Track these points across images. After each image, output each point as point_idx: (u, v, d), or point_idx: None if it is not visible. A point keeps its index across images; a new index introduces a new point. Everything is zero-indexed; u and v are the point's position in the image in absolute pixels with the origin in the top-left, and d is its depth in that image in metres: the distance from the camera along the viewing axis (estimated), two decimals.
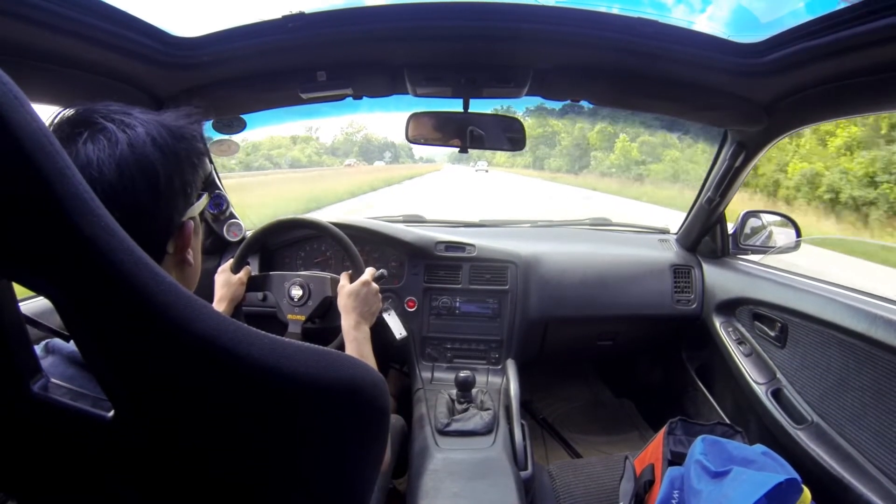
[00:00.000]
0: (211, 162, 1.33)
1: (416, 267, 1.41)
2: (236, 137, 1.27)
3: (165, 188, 0.45)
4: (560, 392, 1.92)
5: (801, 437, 1.03)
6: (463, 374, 1.15)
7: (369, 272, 1.07)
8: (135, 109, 0.46)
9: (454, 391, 1.19)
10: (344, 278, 1.08)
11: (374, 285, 1.06)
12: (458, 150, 1.09)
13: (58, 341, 0.44)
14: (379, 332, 1.31)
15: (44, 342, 0.45)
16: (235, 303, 1.12)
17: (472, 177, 25.67)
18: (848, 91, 0.84)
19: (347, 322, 1.00)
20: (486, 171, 29.87)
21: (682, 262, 1.50)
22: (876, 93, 0.81)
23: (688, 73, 0.93)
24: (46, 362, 0.42)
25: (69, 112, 0.45)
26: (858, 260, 5.82)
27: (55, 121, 0.45)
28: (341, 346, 1.11)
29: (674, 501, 0.86)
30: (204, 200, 0.56)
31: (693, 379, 1.55)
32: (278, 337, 0.34)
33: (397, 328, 1.26)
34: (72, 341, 0.43)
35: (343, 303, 1.03)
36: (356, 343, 0.96)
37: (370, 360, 0.95)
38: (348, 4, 0.85)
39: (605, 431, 1.74)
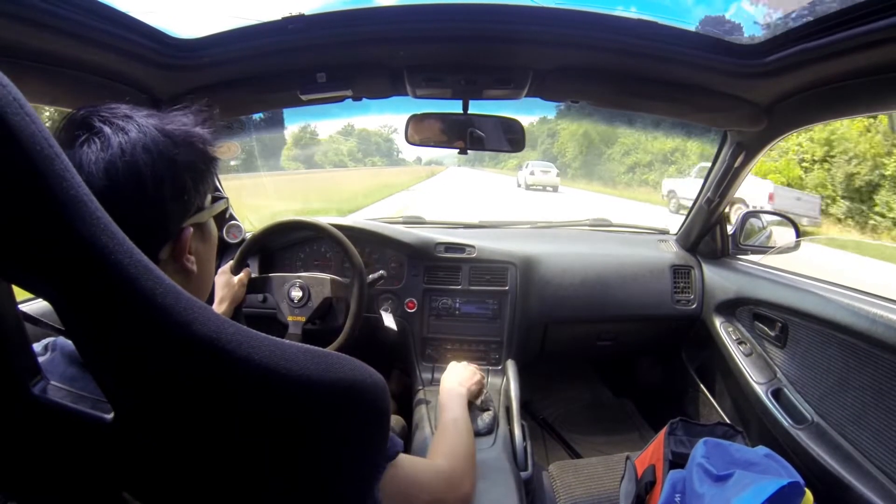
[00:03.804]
0: None
1: (416, 268, 1.41)
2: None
3: (155, 194, 0.44)
4: (560, 392, 1.91)
5: (802, 436, 1.03)
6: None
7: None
8: (139, 112, 0.46)
9: None
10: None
11: (481, 377, 1.02)
12: (458, 151, 1.09)
13: (61, 339, 0.44)
14: (379, 332, 1.31)
15: (45, 341, 0.45)
16: (236, 304, 1.12)
17: (516, 200, 12.12)
18: (847, 92, 0.84)
19: (445, 386, 0.97)
20: (555, 190, 14.53)
21: (681, 263, 1.50)
22: (875, 93, 0.81)
23: (687, 75, 0.93)
24: (48, 361, 0.42)
25: (75, 114, 0.44)
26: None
27: (62, 123, 0.44)
28: (341, 348, 1.11)
29: None
30: (219, 206, 0.54)
31: (693, 379, 1.55)
32: (278, 339, 0.34)
33: (389, 322, 1.29)
34: None
35: (446, 376, 1.01)
36: (451, 400, 0.91)
37: (465, 419, 0.85)
38: (348, 6, 0.85)
39: (606, 432, 1.73)
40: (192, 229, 0.49)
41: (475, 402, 1.10)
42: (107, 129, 0.42)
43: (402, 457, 0.53)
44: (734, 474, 0.81)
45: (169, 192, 0.45)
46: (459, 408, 0.86)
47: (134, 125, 0.44)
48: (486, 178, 23.21)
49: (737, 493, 0.76)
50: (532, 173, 14.81)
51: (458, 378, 0.99)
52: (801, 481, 0.79)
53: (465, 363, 1.02)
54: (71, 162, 0.39)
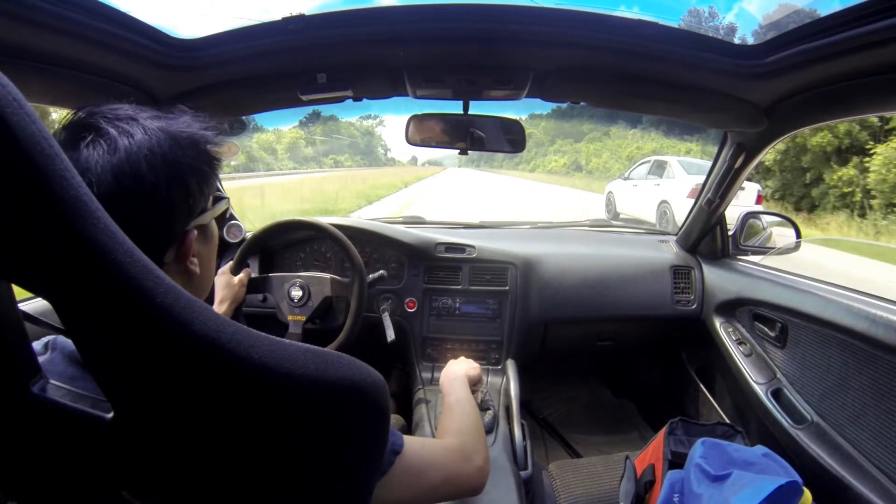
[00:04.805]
0: None
1: (417, 268, 1.41)
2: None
3: (162, 198, 0.44)
4: (560, 392, 1.92)
5: (801, 437, 1.03)
6: None
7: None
8: (143, 113, 0.45)
9: None
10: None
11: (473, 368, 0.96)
12: (458, 152, 1.09)
13: (61, 338, 0.44)
14: (378, 332, 1.32)
15: (45, 339, 0.45)
16: (236, 304, 1.12)
17: None
18: (848, 92, 0.84)
19: (444, 375, 0.91)
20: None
21: (681, 263, 1.51)
22: (876, 94, 0.81)
23: (687, 75, 0.93)
24: (47, 360, 0.42)
25: (79, 114, 0.44)
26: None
27: (64, 122, 0.44)
28: (341, 347, 1.11)
29: None
30: (221, 207, 0.54)
31: (693, 379, 1.55)
32: (278, 338, 0.34)
33: (389, 332, 1.27)
34: None
35: (444, 370, 0.95)
36: (450, 382, 0.87)
37: (467, 399, 0.82)
38: (348, 6, 0.85)
39: (606, 431, 1.73)
40: (196, 232, 0.49)
41: (475, 398, 1.09)
42: (112, 132, 0.42)
43: (410, 440, 0.53)
44: (732, 474, 0.81)
45: (175, 194, 0.45)
46: (461, 390, 0.84)
47: (139, 128, 0.44)
48: (506, 188, 14.99)
49: (735, 493, 0.76)
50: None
51: (455, 365, 0.97)
52: (800, 481, 0.79)
53: (461, 358, 1.01)
54: (76, 163, 0.39)
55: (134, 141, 0.42)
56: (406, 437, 0.53)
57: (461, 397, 0.81)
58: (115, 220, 0.28)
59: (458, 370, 0.92)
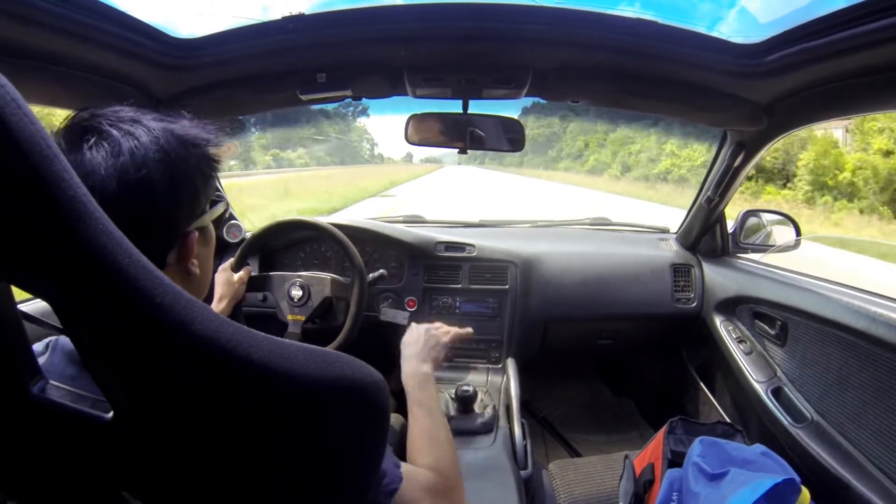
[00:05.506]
0: None
1: (416, 267, 1.41)
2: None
3: (166, 199, 0.44)
4: (560, 391, 1.92)
5: (801, 435, 1.03)
6: (463, 388, 1.09)
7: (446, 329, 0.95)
8: (145, 115, 0.46)
9: (454, 390, 1.19)
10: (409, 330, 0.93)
11: (442, 334, 0.92)
12: (457, 151, 1.09)
13: (62, 339, 0.44)
14: (379, 332, 1.32)
15: (46, 340, 0.45)
16: (235, 302, 1.12)
17: None
18: (848, 91, 0.84)
19: (406, 370, 0.82)
20: None
21: (681, 262, 1.50)
22: (876, 93, 0.81)
23: (687, 74, 0.93)
24: (48, 360, 0.42)
25: (80, 116, 0.44)
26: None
27: (65, 124, 0.44)
28: (341, 347, 1.11)
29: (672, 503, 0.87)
30: (218, 210, 0.54)
31: (693, 378, 1.55)
32: (278, 338, 0.34)
33: (400, 316, 1.29)
34: None
35: (404, 352, 0.87)
36: (417, 385, 0.79)
37: (434, 401, 0.76)
38: (348, 6, 0.85)
39: (606, 431, 1.74)
40: (197, 233, 0.49)
41: (475, 399, 1.07)
42: (115, 133, 0.42)
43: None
44: (729, 472, 0.81)
45: (178, 195, 0.46)
46: (425, 391, 0.77)
47: (143, 129, 0.44)
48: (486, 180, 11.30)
49: (733, 491, 0.76)
50: None
51: (414, 351, 0.86)
52: (797, 479, 0.79)
53: (424, 327, 0.91)
54: (79, 166, 0.39)
55: (137, 142, 0.43)
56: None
57: (429, 405, 0.74)
58: (120, 222, 0.28)
59: (421, 361, 0.82)
